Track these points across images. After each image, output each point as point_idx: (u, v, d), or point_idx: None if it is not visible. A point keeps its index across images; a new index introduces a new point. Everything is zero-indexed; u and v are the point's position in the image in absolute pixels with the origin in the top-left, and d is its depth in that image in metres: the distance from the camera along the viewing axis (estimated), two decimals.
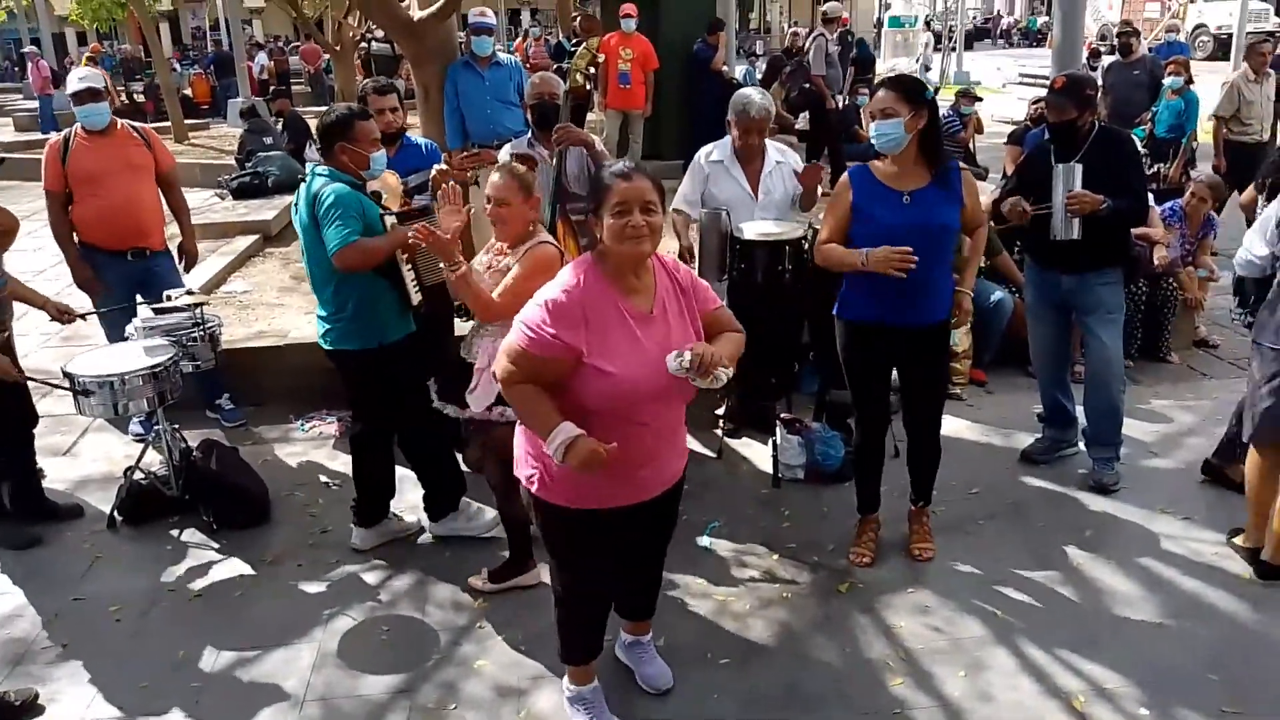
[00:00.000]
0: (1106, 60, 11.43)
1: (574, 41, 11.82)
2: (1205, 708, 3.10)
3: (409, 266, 3.80)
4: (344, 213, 3.56)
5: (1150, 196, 5.52)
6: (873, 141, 3.59)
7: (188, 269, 5.48)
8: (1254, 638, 3.44)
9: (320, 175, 3.71)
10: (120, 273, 5.09)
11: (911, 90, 3.52)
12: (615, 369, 2.55)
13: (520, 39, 23.86)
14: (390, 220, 3.79)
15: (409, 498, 4.46)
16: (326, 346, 3.87)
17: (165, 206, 5.35)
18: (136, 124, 5.37)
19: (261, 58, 21.52)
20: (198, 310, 4.60)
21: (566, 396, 2.58)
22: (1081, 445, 4.67)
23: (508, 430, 3.00)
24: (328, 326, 3.82)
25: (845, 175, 3.76)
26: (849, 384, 3.90)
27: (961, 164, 8.73)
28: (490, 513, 4.12)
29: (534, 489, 2.78)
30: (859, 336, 3.77)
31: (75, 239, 5.10)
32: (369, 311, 3.77)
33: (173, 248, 5.42)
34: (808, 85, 10.55)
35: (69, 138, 5.03)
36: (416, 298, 3.86)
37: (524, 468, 2.81)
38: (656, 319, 2.65)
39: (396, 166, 4.39)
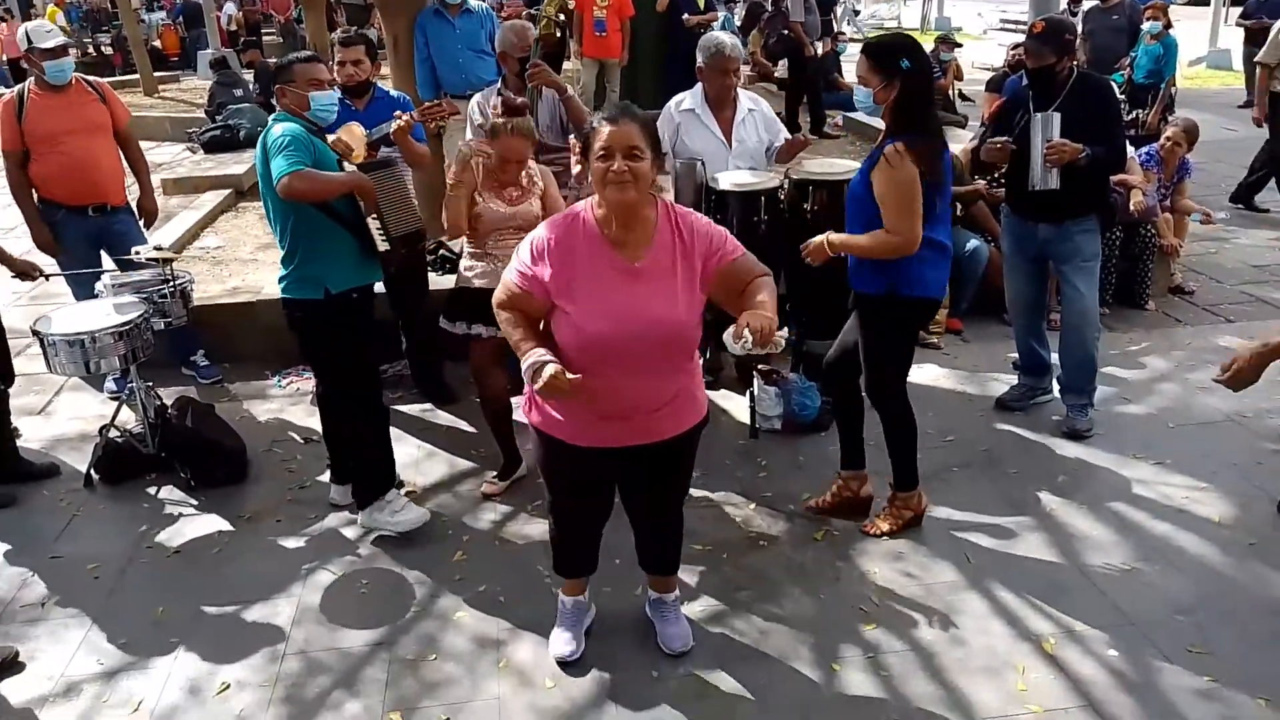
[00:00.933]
0: (1087, 6, 11.34)
1: None
2: (1172, 648, 3.16)
3: (374, 216, 3.71)
4: (293, 145, 3.49)
5: (1128, 143, 5.53)
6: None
7: (147, 226, 5.38)
8: (1221, 580, 3.51)
9: (276, 119, 3.67)
10: (82, 229, 5.01)
11: (883, 59, 3.35)
12: (582, 316, 2.59)
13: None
14: (348, 169, 3.73)
15: None
16: (282, 296, 3.79)
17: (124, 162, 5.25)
18: (90, 78, 5.23)
19: (230, 8, 21.04)
20: (167, 266, 4.55)
21: (548, 334, 2.69)
22: (1056, 392, 4.70)
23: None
24: (283, 271, 3.75)
25: None
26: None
27: (941, 113, 8.60)
28: (416, 510, 3.94)
29: (523, 407, 2.96)
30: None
31: (35, 197, 5.01)
32: (316, 258, 3.67)
33: (132, 203, 5.33)
34: (786, 32, 10.43)
35: (23, 94, 4.90)
36: (382, 245, 3.76)
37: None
38: (644, 272, 2.63)
39: (368, 119, 4.30)
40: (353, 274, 3.76)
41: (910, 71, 3.32)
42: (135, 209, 5.32)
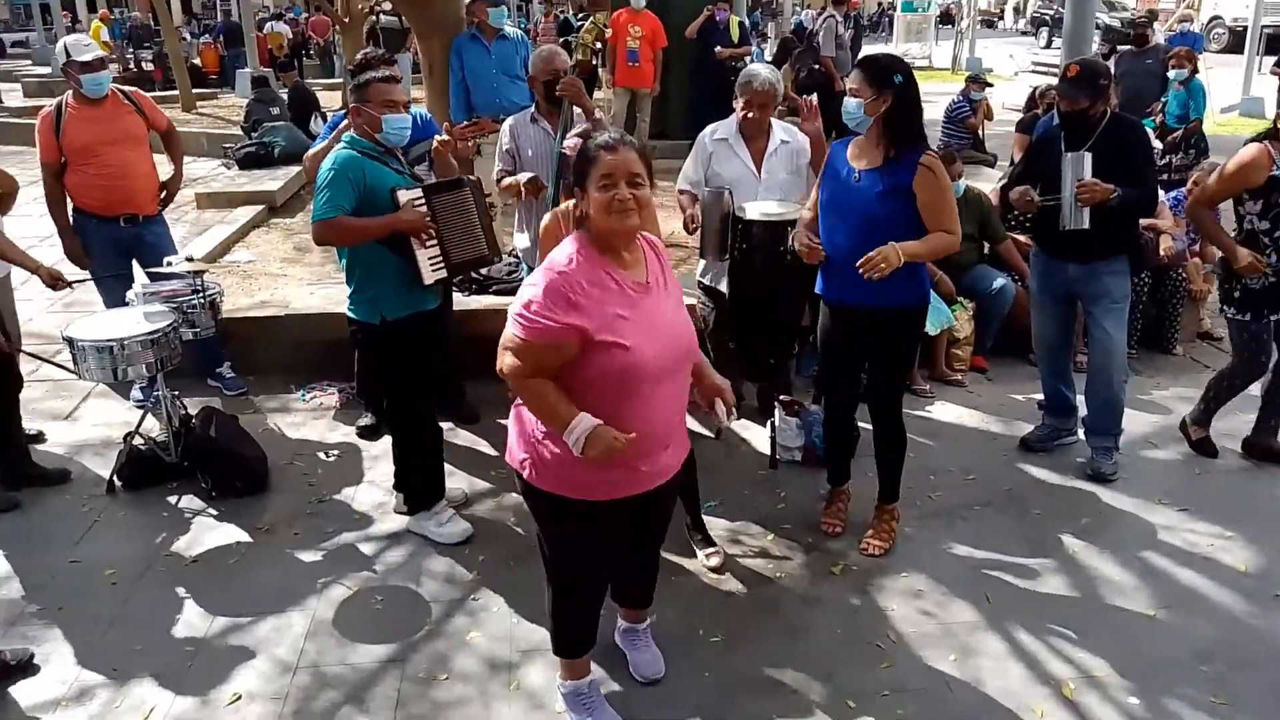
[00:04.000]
0: (1120, 49, 11.35)
1: (580, 16, 11.75)
2: (1194, 698, 3.10)
3: (433, 241, 3.69)
4: (333, 182, 3.54)
5: (1159, 188, 5.50)
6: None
7: (167, 203, 5.39)
8: (1245, 630, 3.44)
9: (343, 140, 3.73)
10: (111, 238, 5.08)
11: (878, 73, 3.49)
12: (627, 341, 2.48)
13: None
14: (406, 196, 3.63)
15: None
16: (348, 313, 3.85)
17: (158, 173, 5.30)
18: (125, 88, 5.28)
19: (281, 26, 21.30)
20: (197, 278, 4.60)
21: (572, 376, 2.51)
22: (1081, 434, 4.66)
23: None
24: (348, 290, 3.81)
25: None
26: (821, 359, 3.97)
27: (971, 151, 8.52)
28: (462, 524, 4.05)
29: (525, 474, 2.71)
30: (827, 313, 3.86)
31: (69, 207, 5.08)
32: (373, 285, 3.71)
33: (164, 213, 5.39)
34: (817, 66, 10.49)
35: (61, 107, 4.97)
36: (434, 276, 3.71)
37: (517, 452, 2.74)
38: (653, 289, 2.64)
39: None
40: (406, 301, 3.74)
41: (902, 86, 3.47)
42: (164, 198, 5.34)
